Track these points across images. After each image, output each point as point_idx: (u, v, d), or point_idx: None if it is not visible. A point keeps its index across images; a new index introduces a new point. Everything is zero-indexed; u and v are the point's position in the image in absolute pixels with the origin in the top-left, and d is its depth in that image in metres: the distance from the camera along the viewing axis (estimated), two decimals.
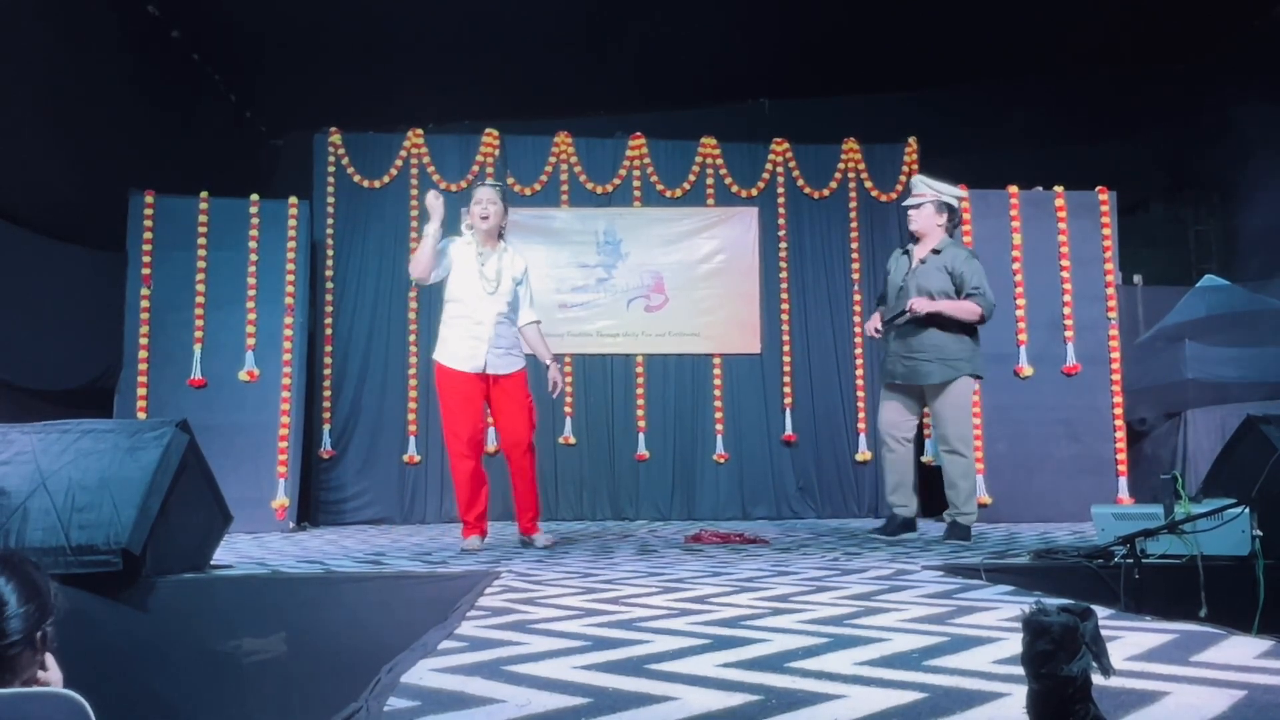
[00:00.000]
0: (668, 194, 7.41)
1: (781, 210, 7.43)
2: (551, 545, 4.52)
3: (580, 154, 7.45)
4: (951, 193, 4.89)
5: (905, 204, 4.96)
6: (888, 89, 8.12)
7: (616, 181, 7.42)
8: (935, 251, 4.78)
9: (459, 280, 4.51)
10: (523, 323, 4.64)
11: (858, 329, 7.24)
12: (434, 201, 4.35)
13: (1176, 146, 8.54)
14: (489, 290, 4.48)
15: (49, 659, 1.79)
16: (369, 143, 7.36)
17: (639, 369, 7.25)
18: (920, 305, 4.63)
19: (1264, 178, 7.47)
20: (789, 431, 7.20)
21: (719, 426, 7.21)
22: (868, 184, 7.46)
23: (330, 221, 7.15)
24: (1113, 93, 8.04)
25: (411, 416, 7.01)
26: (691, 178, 7.44)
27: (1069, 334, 6.47)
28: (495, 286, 4.49)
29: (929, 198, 4.82)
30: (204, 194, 6.59)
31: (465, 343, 4.47)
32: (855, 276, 7.36)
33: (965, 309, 4.68)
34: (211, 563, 3.67)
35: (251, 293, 6.54)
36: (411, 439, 6.98)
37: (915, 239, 4.89)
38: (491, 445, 6.16)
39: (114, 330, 6.31)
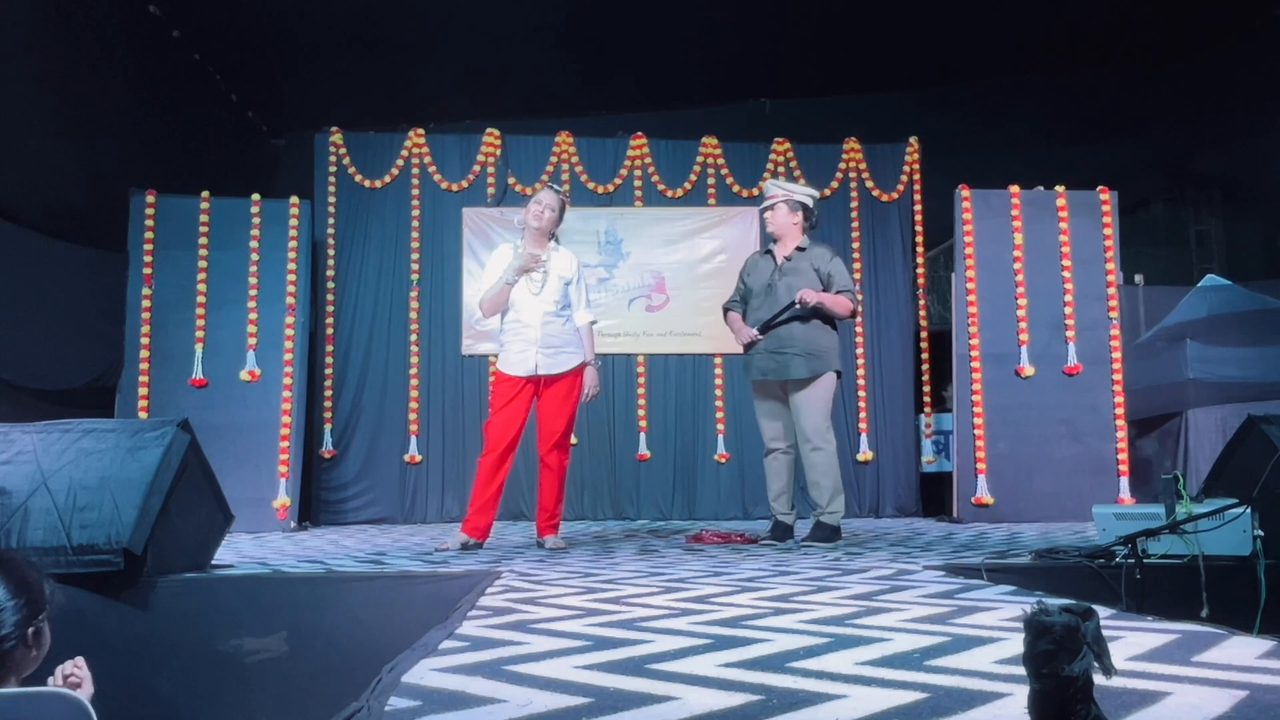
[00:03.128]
0: (669, 194, 7.41)
1: None
2: (560, 549, 4.50)
3: (581, 154, 7.45)
4: (803, 192, 4.94)
5: (760, 209, 4.97)
6: (889, 89, 8.13)
7: (618, 181, 7.43)
8: (800, 249, 4.80)
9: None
10: (578, 323, 4.64)
11: (858, 329, 7.25)
12: (525, 255, 4.47)
13: (1177, 146, 8.55)
14: (534, 291, 4.50)
15: (83, 671, 1.79)
16: (370, 142, 7.36)
17: (640, 369, 7.25)
18: (809, 296, 4.57)
19: (1265, 177, 7.47)
20: None
21: (720, 426, 7.22)
22: (869, 184, 7.46)
23: (331, 221, 7.16)
24: (1114, 92, 8.05)
25: (412, 416, 7.01)
26: (693, 177, 7.45)
27: (1070, 334, 6.46)
28: (540, 287, 4.50)
29: (780, 198, 4.83)
30: (205, 194, 6.59)
31: (517, 346, 4.50)
32: (856, 276, 7.35)
33: (841, 303, 4.70)
34: (213, 562, 3.67)
35: (253, 292, 6.54)
36: (413, 438, 6.99)
37: (774, 240, 4.89)
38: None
39: (115, 330, 6.31)
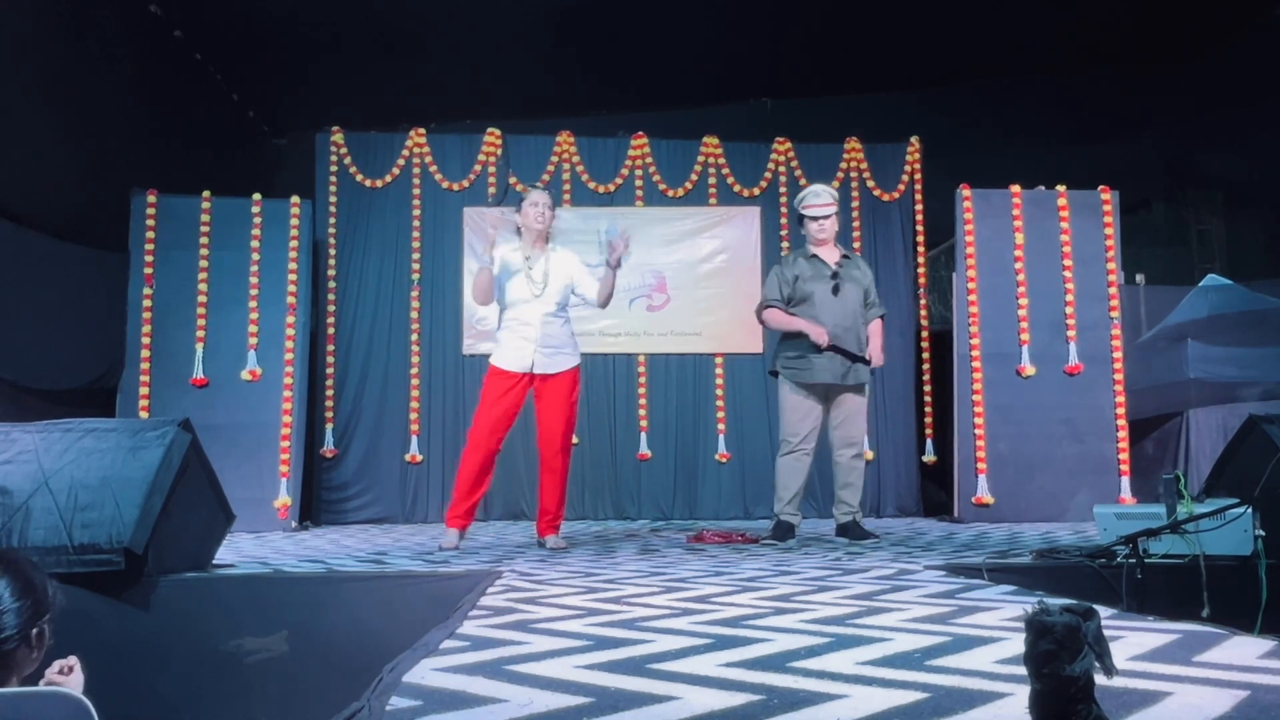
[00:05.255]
0: (670, 193, 7.41)
1: (784, 210, 7.42)
2: (561, 549, 4.50)
3: (582, 153, 7.44)
4: None
5: (820, 213, 4.84)
6: (890, 88, 8.13)
7: (619, 181, 7.42)
8: (846, 257, 4.92)
9: (511, 286, 4.55)
10: (591, 296, 4.62)
11: None
12: (491, 244, 4.52)
13: (1178, 146, 8.54)
14: (536, 293, 4.52)
15: (75, 664, 1.80)
16: (371, 142, 7.36)
17: (641, 368, 7.25)
18: (879, 360, 4.85)
19: (1267, 176, 7.45)
20: None
21: (721, 426, 7.21)
22: (870, 183, 7.46)
23: (332, 221, 7.16)
24: (1115, 92, 8.04)
25: (414, 415, 7.01)
26: (694, 177, 7.44)
27: (1071, 333, 6.46)
28: (542, 289, 4.52)
29: (836, 206, 4.90)
30: (206, 193, 6.59)
31: (515, 343, 4.52)
32: None
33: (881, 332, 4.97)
34: (214, 562, 3.67)
35: (254, 292, 6.54)
36: (414, 438, 6.99)
37: (815, 244, 4.88)
38: None
39: (116, 330, 6.31)
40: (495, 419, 4.50)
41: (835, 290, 4.78)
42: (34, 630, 1.73)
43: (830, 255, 4.87)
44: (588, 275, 4.68)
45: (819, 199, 4.88)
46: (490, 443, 4.51)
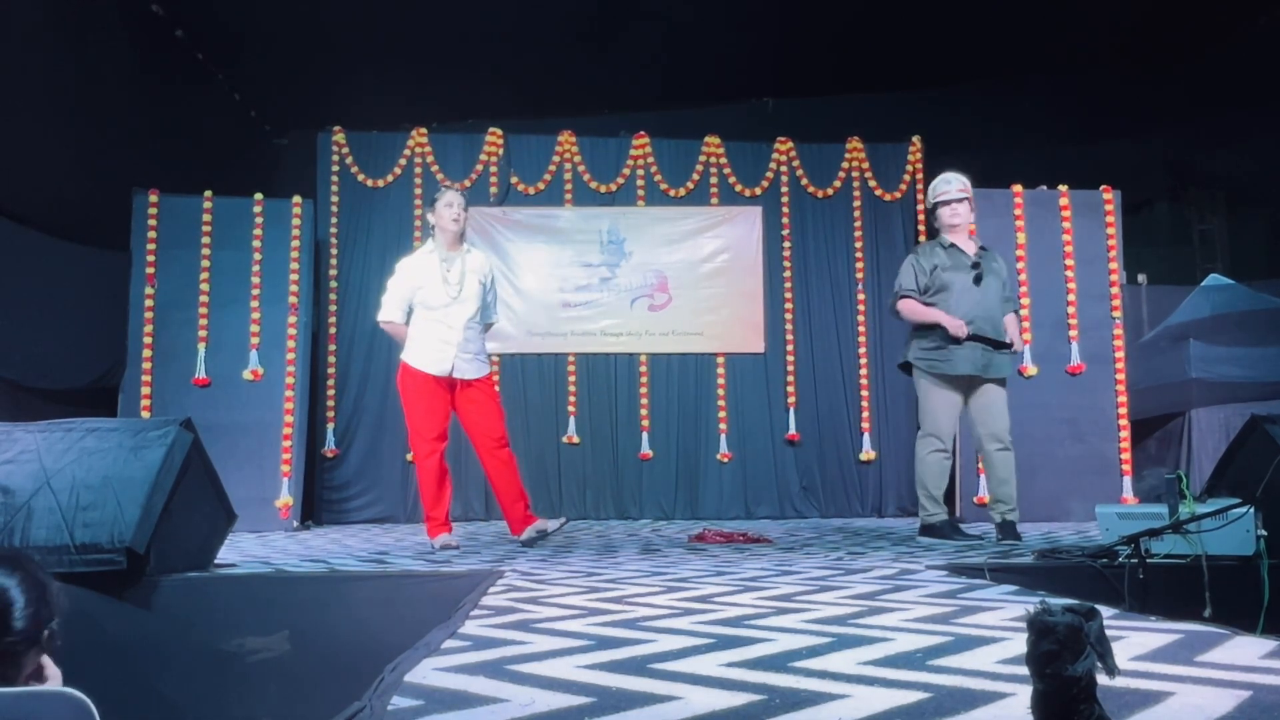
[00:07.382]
0: (671, 193, 7.41)
1: (785, 209, 7.42)
2: (565, 524, 4.54)
3: (584, 153, 7.44)
4: None
5: (950, 196, 4.78)
6: (892, 88, 8.12)
7: (620, 180, 7.42)
8: (983, 249, 4.83)
9: (426, 290, 4.57)
10: (487, 321, 4.76)
11: (861, 328, 7.24)
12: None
13: (1180, 145, 8.53)
14: (453, 295, 4.53)
15: (47, 662, 1.79)
16: (373, 141, 7.36)
17: (642, 368, 7.24)
18: (1020, 344, 4.87)
19: (1269, 176, 7.44)
20: (793, 430, 7.19)
21: (722, 425, 7.21)
22: (871, 183, 7.45)
23: (334, 220, 7.16)
24: (1117, 91, 8.03)
25: None
26: (695, 177, 7.44)
27: (1073, 333, 6.45)
28: (459, 290, 4.54)
29: (968, 193, 4.82)
30: (208, 193, 6.60)
31: (434, 346, 4.53)
32: (859, 275, 7.36)
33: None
34: (215, 561, 3.68)
35: (255, 292, 6.54)
36: None
37: (948, 232, 4.80)
38: None
39: (118, 329, 6.32)
40: (434, 426, 4.54)
41: (977, 280, 4.68)
42: (44, 633, 1.74)
43: (969, 246, 4.78)
44: (495, 291, 4.80)
45: (948, 185, 4.83)
46: (439, 448, 4.57)
